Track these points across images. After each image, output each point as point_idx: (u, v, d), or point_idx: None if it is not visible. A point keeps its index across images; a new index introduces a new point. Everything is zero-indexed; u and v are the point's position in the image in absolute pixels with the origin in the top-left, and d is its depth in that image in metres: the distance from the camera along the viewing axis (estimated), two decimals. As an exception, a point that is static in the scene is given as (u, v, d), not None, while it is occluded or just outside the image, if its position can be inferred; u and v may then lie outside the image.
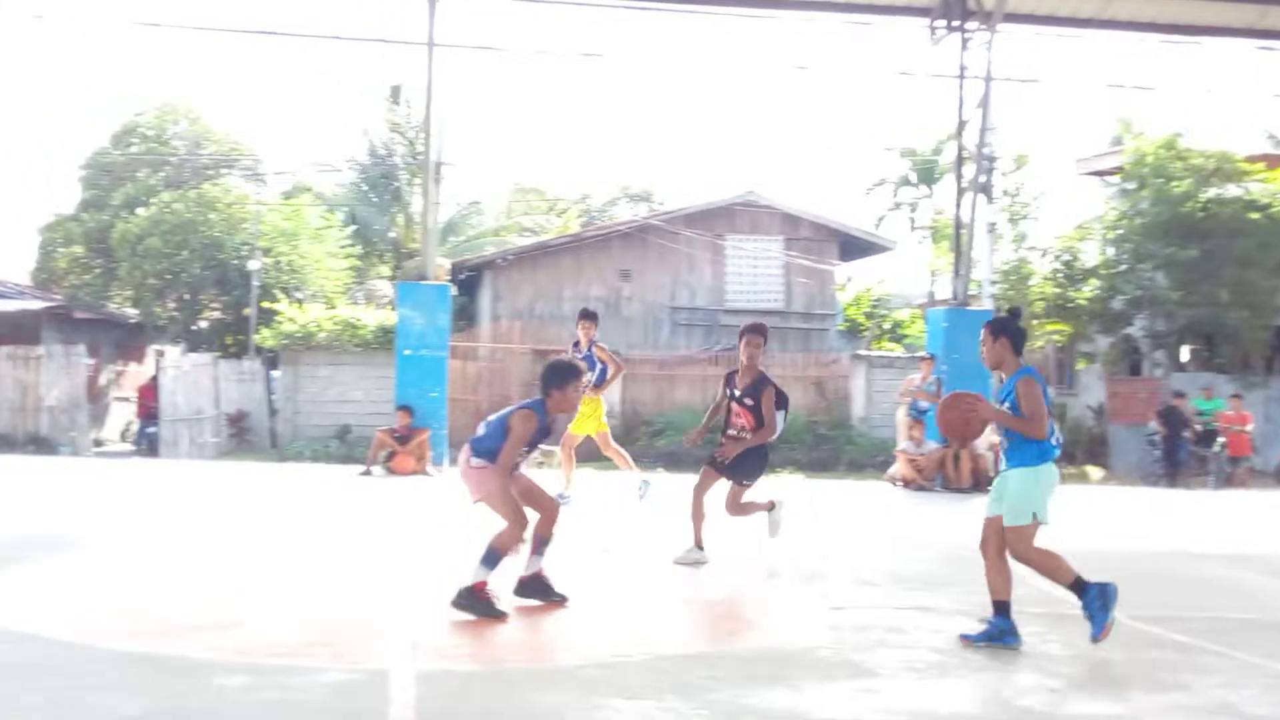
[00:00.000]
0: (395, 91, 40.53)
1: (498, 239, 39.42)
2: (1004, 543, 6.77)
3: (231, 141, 38.33)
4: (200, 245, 31.72)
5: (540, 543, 7.53)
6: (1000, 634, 6.78)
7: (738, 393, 9.54)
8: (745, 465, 9.49)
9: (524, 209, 47.80)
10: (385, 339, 23.67)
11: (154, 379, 28.15)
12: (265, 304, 29.45)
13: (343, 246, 34.38)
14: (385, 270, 39.52)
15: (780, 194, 33.85)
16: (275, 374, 27.85)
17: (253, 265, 31.11)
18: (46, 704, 5.19)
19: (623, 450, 13.47)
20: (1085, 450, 25.57)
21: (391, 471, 16.72)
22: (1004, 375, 6.91)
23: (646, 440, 25.04)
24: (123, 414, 31.65)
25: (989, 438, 17.51)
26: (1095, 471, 23.59)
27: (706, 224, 31.24)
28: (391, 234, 39.77)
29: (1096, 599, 6.65)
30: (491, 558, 7.19)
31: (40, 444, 24.83)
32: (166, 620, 7.01)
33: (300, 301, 28.61)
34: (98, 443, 28.15)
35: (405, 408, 17.31)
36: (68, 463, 20.99)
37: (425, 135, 19.90)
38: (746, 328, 9.74)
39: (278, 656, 6.11)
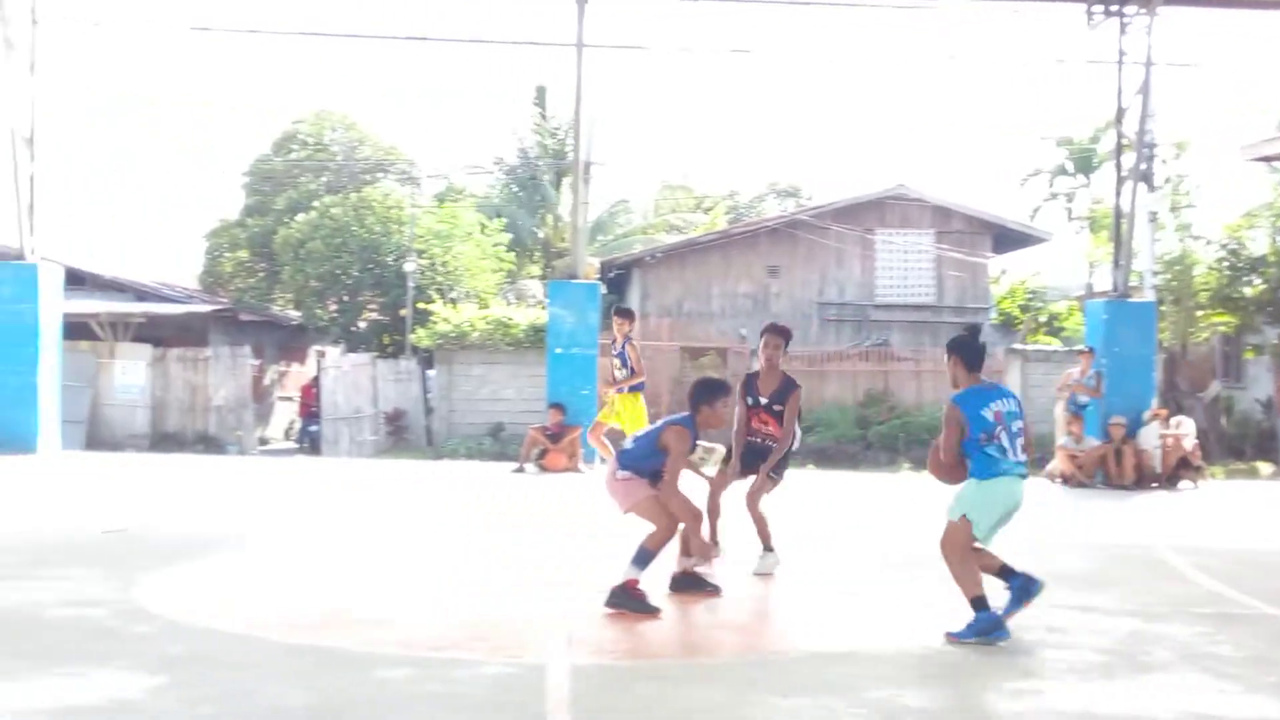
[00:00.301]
0: (541, 93, 41.01)
1: (646, 237, 39.61)
2: (968, 541, 6.69)
3: (386, 146, 39.22)
4: (358, 248, 32.51)
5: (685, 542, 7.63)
6: (990, 629, 6.58)
7: (764, 400, 8.63)
8: (778, 466, 8.69)
9: (671, 207, 47.92)
10: (536, 338, 23.97)
11: (315, 379, 28.98)
12: (421, 305, 30.06)
13: (495, 246, 34.88)
14: (535, 270, 40.01)
15: (932, 187, 33.36)
16: (431, 373, 28.41)
17: (408, 267, 31.78)
18: (221, 695, 5.38)
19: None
20: (1254, 445, 24.62)
21: (544, 469, 16.90)
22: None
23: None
24: (286, 413, 32.63)
25: (1155, 432, 17.07)
26: (1265, 467, 22.68)
27: (856, 218, 30.93)
28: (540, 234, 40.24)
29: (1017, 594, 6.66)
30: (643, 557, 7.26)
31: (208, 443, 25.73)
32: (330, 614, 7.21)
33: (454, 302, 29.13)
34: (263, 441, 29.07)
35: (557, 405, 17.49)
36: (234, 461, 21.73)
37: (574, 135, 20.10)
38: (766, 328, 8.98)
39: (438, 650, 6.24)
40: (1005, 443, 6.61)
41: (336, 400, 27.52)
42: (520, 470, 16.88)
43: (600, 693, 5.65)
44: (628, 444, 7.65)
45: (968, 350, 6.90)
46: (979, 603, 6.65)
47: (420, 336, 27.50)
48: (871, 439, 25.53)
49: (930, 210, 31.29)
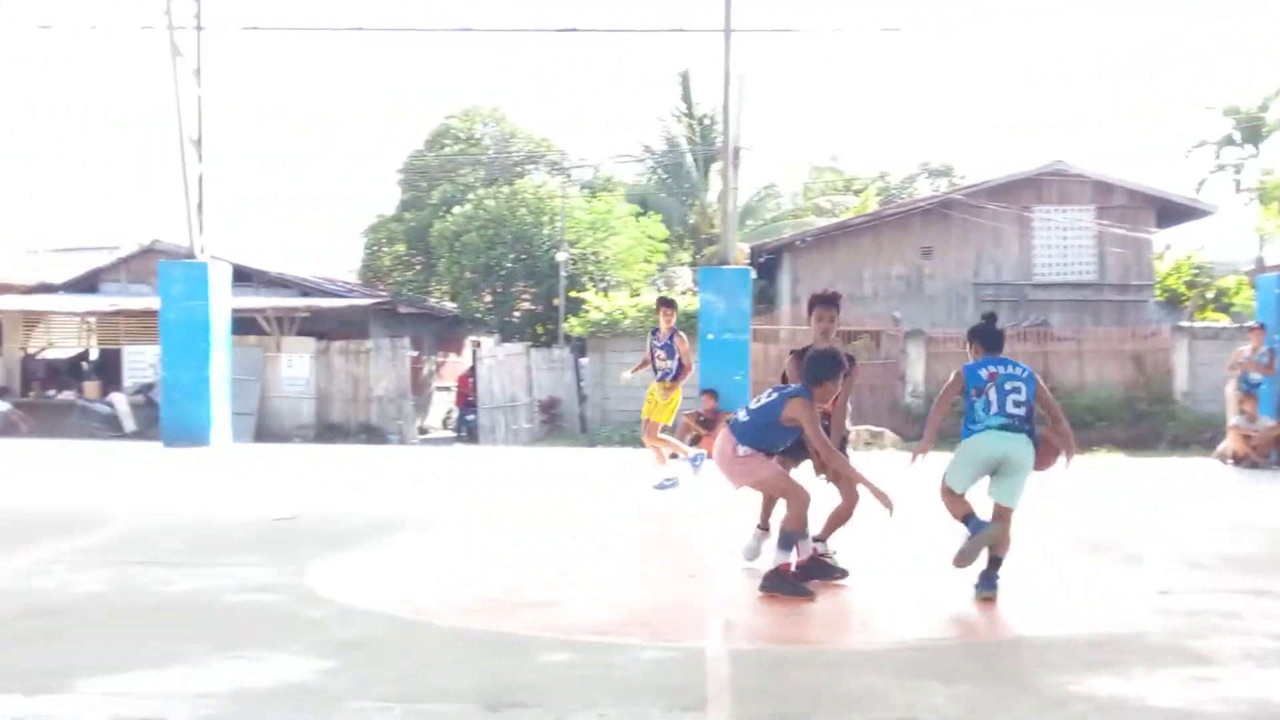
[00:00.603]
0: (685, 79, 41.00)
1: (796, 221, 39.34)
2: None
3: (537, 138, 39.67)
4: (512, 239, 32.97)
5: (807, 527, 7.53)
6: (976, 529, 7.17)
7: None
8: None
9: (821, 189, 47.52)
10: (688, 325, 23.97)
11: (472, 369, 29.51)
12: (573, 294, 30.37)
13: (649, 239, 34.99)
14: (685, 257, 40.07)
15: (1091, 162, 32.42)
16: (584, 361, 28.69)
17: (560, 256, 32.11)
18: (393, 678, 5.54)
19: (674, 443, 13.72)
20: None
21: (698, 455, 16.90)
22: None
23: (955, 418, 24.48)
24: (444, 403, 33.29)
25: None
26: None
27: (1011, 196, 30.24)
28: (690, 220, 40.28)
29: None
30: (787, 540, 7.25)
31: (371, 433, 26.40)
32: (494, 599, 7.35)
33: (606, 290, 29.34)
34: (422, 430, 29.72)
35: (710, 391, 17.52)
36: (395, 450, 22.25)
37: (723, 121, 20.06)
38: (816, 299, 8.38)
39: (598, 634, 6.32)
40: (991, 397, 7.26)
41: (492, 389, 27.97)
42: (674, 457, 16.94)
43: (759, 677, 5.66)
44: (742, 416, 7.55)
45: (985, 335, 7.62)
46: (968, 519, 7.24)
47: (573, 325, 27.79)
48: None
49: (1090, 186, 30.43)
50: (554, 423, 28.98)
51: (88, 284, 31.06)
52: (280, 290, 30.08)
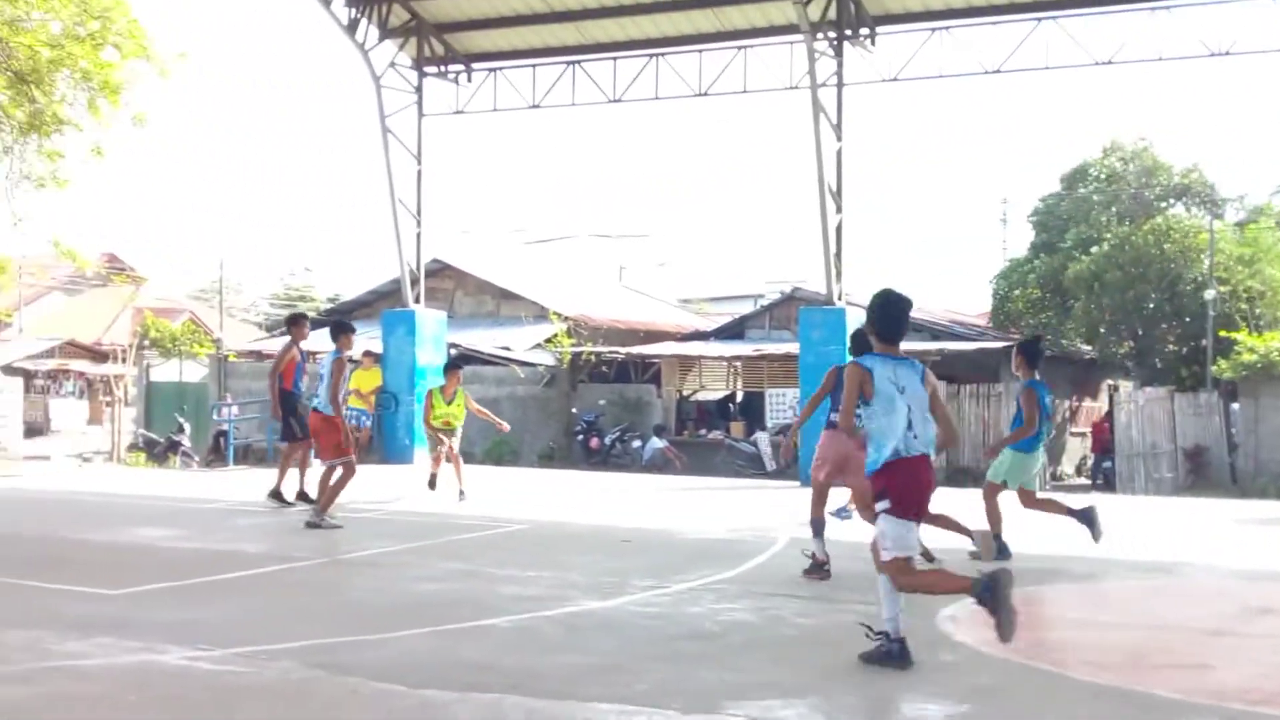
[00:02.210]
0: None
1: None
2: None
3: (1180, 170, 37.48)
4: (1155, 278, 31.37)
5: None
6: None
7: None
8: None
9: None
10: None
11: (1109, 414, 28.31)
12: (1223, 333, 28.33)
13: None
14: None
15: None
16: (1234, 406, 26.66)
17: (1208, 295, 30.09)
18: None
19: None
20: None
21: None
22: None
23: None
24: (1078, 449, 32.17)
25: None
26: None
27: None
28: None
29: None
30: None
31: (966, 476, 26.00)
32: (1134, 655, 7.00)
33: (1260, 330, 27.11)
34: (1054, 476, 28.87)
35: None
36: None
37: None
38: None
39: (1256, 704, 5.82)
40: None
41: (1131, 436, 26.71)
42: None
43: None
44: None
45: (1031, 352, 10.75)
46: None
47: (1222, 368, 25.91)
48: None
49: None
50: (1199, 472, 27.05)
51: (735, 331, 33.26)
52: (911, 334, 30.45)
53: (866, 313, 6.81)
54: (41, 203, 18.98)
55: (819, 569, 9.46)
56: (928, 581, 6.75)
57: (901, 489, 6.34)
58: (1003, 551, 10.10)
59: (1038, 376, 10.74)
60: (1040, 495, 11.06)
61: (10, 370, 35.77)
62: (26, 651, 6.80)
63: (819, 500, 9.63)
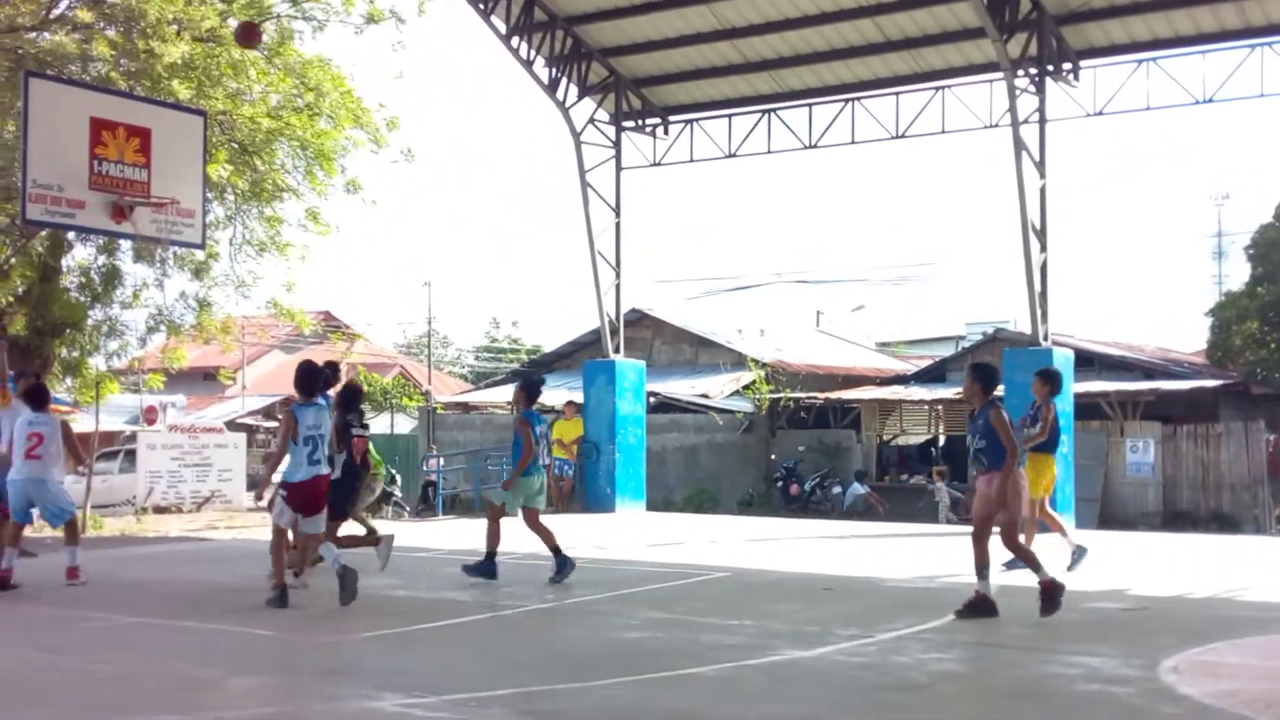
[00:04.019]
0: None
1: None
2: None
3: None
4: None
5: None
6: None
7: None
8: None
9: None
10: None
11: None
12: None
13: None
14: None
15: None
16: None
17: None
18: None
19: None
20: None
21: None
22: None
23: None
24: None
25: None
26: None
27: None
28: None
29: None
30: None
31: (1222, 521, 24.93)
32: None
33: None
34: (1282, 520, 27.45)
35: None
36: (1251, 540, 20.78)
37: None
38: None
39: None
40: None
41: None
42: None
43: None
44: None
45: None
46: None
47: None
48: None
49: None
50: None
51: (936, 374, 32.68)
52: (1123, 374, 29.49)
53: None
54: (263, 266, 20.04)
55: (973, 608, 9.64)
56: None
57: None
58: None
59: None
60: None
61: (234, 426, 37.48)
62: (250, 697, 7.12)
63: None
